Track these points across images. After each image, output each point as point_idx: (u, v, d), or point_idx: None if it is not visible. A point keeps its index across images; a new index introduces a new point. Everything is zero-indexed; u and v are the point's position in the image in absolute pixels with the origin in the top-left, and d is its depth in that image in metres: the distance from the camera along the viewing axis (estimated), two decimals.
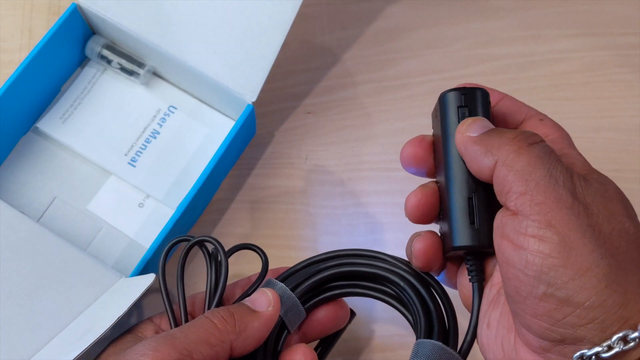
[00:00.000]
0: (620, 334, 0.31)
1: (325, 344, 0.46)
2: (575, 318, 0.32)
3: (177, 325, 0.41)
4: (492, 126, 0.37)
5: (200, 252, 0.43)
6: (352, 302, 0.46)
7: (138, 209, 0.52)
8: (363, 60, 0.58)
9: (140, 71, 0.53)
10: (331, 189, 0.54)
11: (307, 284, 0.42)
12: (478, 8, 0.60)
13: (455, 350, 0.39)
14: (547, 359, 0.33)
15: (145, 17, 0.50)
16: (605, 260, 0.32)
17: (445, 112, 0.39)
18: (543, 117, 0.39)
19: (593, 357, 0.31)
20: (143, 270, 0.47)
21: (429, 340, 0.39)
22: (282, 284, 0.42)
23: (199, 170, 0.49)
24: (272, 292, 0.40)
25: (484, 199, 0.37)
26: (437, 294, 0.41)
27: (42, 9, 0.58)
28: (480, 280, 0.38)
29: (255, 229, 0.53)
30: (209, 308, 0.41)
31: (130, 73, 0.54)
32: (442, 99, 0.39)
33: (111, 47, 0.54)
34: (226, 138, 0.49)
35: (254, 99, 0.50)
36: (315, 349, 0.46)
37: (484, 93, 0.39)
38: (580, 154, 0.37)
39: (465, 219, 0.37)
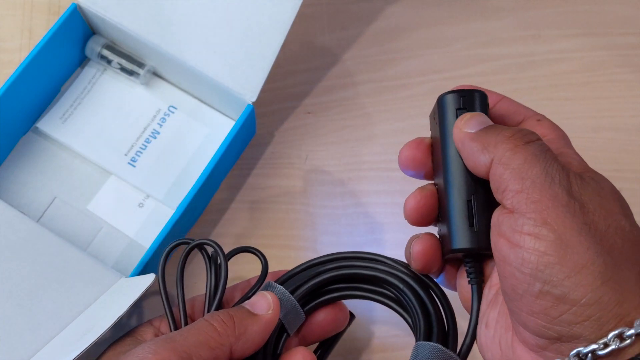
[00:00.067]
0: (617, 331, 0.31)
1: (325, 346, 0.47)
2: (571, 315, 0.32)
3: (176, 328, 0.41)
4: (490, 122, 0.37)
5: (200, 253, 0.43)
6: (351, 304, 0.46)
7: (138, 209, 0.52)
8: (363, 60, 0.58)
9: (140, 71, 0.53)
10: (331, 189, 0.54)
11: (306, 286, 0.42)
12: (478, 8, 0.60)
13: (455, 352, 0.39)
14: (544, 357, 0.33)
15: (145, 17, 0.50)
16: (601, 257, 0.32)
17: (444, 114, 0.39)
18: (541, 118, 0.39)
19: (589, 354, 0.31)
20: (143, 270, 0.47)
21: (428, 342, 0.39)
22: (282, 286, 0.42)
23: (199, 170, 0.49)
24: (272, 295, 0.40)
25: (483, 201, 0.37)
26: (436, 296, 0.41)
27: (42, 9, 0.58)
28: (479, 282, 0.38)
29: (255, 229, 0.53)
30: (208, 311, 0.41)
31: (130, 73, 0.54)
32: (440, 102, 0.39)
33: (111, 47, 0.54)
34: (226, 138, 0.49)
35: (254, 99, 0.50)
36: (315, 352, 0.46)
37: (482, 95, 0.39)
38: (577, 153, 0.37)
39: (465, 222, 0.37)
